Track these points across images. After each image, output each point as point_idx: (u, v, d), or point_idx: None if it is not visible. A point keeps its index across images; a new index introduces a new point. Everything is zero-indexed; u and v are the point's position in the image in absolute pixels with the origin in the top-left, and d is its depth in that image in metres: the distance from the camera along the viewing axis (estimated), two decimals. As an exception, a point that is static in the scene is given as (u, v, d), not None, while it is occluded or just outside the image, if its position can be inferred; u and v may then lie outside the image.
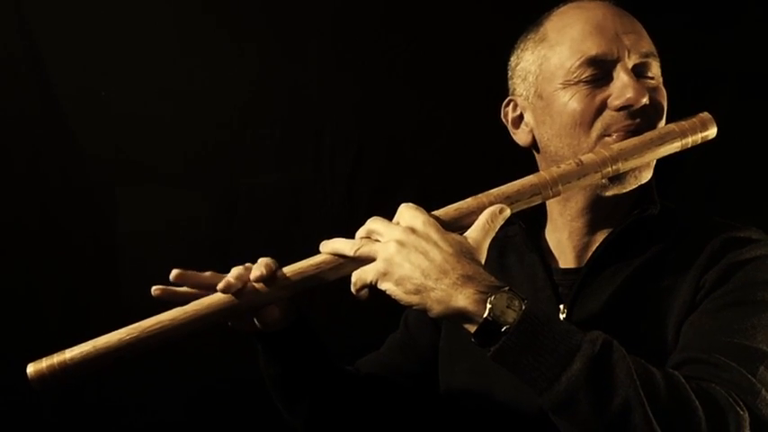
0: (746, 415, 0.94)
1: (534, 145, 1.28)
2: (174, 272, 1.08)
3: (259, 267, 1.07)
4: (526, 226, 1.29)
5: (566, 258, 1.28)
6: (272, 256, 1.10)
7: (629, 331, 1.10)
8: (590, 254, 1.23)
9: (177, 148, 1.93)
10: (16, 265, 1.88)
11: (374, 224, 1.04)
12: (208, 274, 1.10)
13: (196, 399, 1.92)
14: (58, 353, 1.04)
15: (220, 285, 1.06)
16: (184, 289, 1.09)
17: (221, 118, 1.94)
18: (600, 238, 1.23)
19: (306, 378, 1.26)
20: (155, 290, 1.07)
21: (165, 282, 1.08)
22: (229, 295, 1.06)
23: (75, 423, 1.85)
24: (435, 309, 0.95)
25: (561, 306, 1.21)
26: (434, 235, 0.99)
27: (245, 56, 1.94)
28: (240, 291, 1.07)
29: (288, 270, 1.07)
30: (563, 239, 1.27)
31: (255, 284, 1.07)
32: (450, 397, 1.32)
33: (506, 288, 0.94)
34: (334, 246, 1.06)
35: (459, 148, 1.92)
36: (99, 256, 1.92)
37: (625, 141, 1.15)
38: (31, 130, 1.89)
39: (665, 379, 0.93)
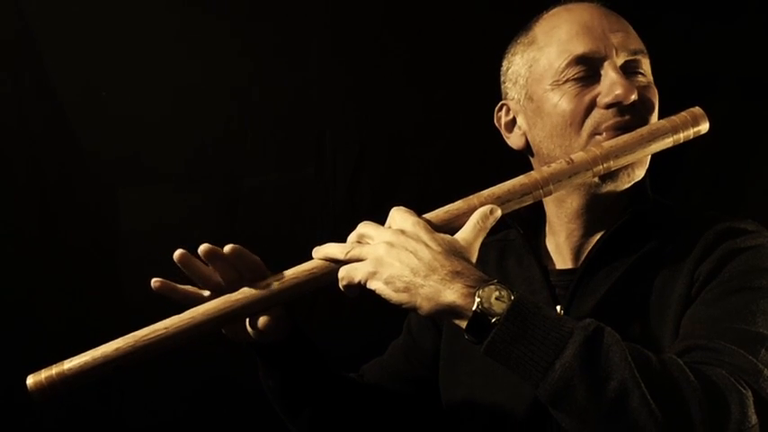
0: (750, 393, 0.92)
1: (528, 148, 1.28)
2: (178, 252, 1.09)
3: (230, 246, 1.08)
4: (524, 230, 1.29)
5: (563, 260, 1.28)
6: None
7: (626, 330, 1.09)
8: (586, 254, 1.23)
9: (178, 148, 1.94)
10: (17, 266, 1.89)
11: (365, 228, 1.05)
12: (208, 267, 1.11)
13: (196, 397, 1.92)
14: (57, 364, 1.05)
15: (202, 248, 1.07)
16: (185, 287, 1.11)
17: (222, 118, 1.95)
18: (596, 238, 1.23)
19: (305, 389, 1.27)
20: (155, 281, 1.09)
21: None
22: (224, 301, 1.08)
23: (76, 421, 1.86)
24: (425, 306, 0.95)
25: (558, 307, 1.20)
26: (424, 235, 1.00)
27: (247, 56, 1.95)
28: (235, 298, 1.08)
29: (280, 276, 1.08)
30: (560, 241, 1.27)
31: (249, 290, 1.08)
32: (450, 401, 1.32)
33: (495, 281, 0.94)
34: (325, 251, 1.07)
35: (460, 147, 1.92)
36: (100, 256, 1.93)
37: (616, 139, 1.14)
38: (31, 130, 1.90)
39: (661, 361, 0.92)
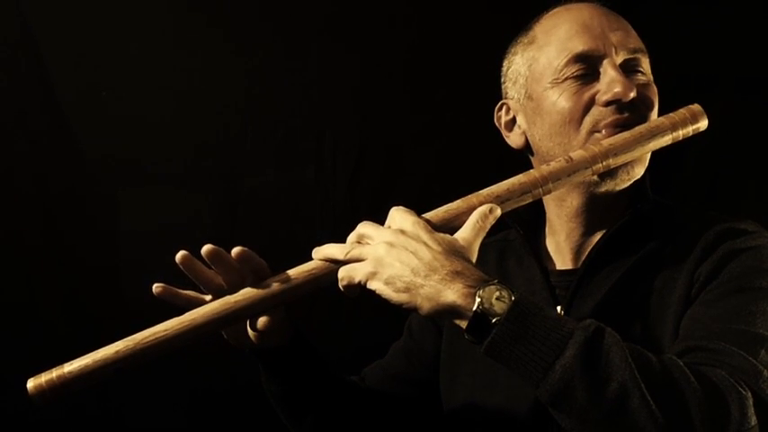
0: (749, 395, 0.92)
1: (528, 147, 1.28)
2: (180, 254, 1.07)
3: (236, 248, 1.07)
4: (524, 231, 1.29)
5: (563, 260, 1.27)
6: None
7: (626, 330, 1.09)
8: (586, 254, 1.23)
9: (179, 148, 1.94)
10: (17, 268, 1.89)
11: (364, 228, 1.05)
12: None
13: (197, 400, 1.92)
14: (57, 367, 1.05)
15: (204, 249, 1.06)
16: (187, 292, 1.10)
17: (222, 118, 1.95)
18: (596, 238, 1.23)
19: (308, 394, 1.27)
20: (156, 287, 1.07)
21: (167, 282, 1.08)
22: (224, 303, 1.07)
23: (76, 423, 1.86)
24: (425, 306, 0.95)
25: (558, 308, 1.20)
26: (424, 235, 0.99)
27: (247, 56, 1.95)
28: (234, 299, 1.07)
29: (280, 277, 1.07)
30: (561, 241, 1.27)
31: (249, 291, 1.07)
32: (451, 402, 1.32)
33: (495, 281, 0.94)
34: (325, 251, 1.06)
35: (460, 147, 1.92)
36: (100, 257, 1.93)
37: (615, 137, 1.14)
38: (31, 131, 1.90)
39: (662, 362, 0.92)
